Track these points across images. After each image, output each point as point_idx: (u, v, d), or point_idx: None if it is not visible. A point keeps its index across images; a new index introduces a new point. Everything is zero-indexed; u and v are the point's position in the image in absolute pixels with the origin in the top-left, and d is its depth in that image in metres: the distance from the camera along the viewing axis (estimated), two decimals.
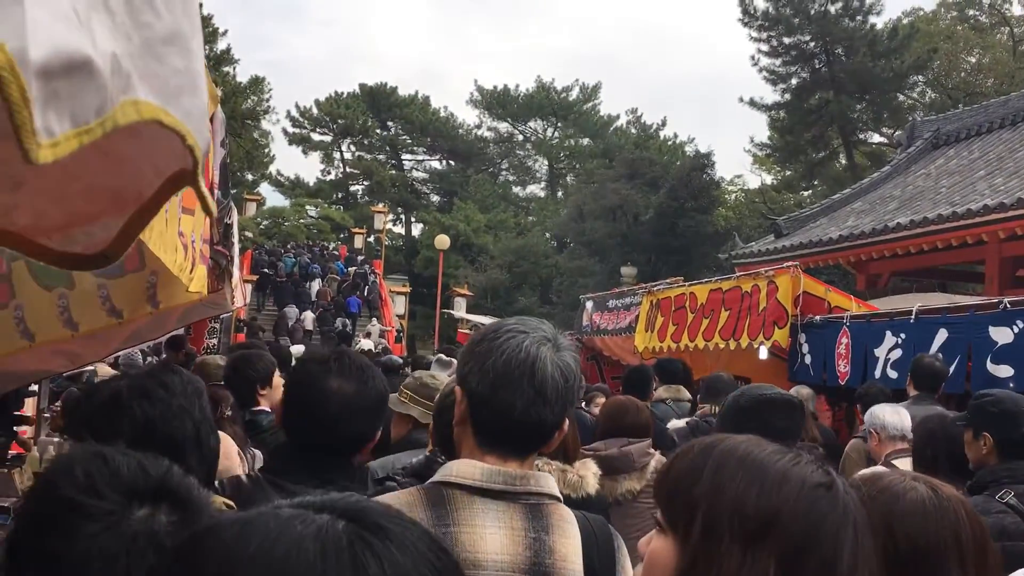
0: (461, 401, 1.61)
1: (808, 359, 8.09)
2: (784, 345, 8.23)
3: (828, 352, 7.77)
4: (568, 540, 1.57)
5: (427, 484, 1.61)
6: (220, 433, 2.74)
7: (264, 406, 3.82)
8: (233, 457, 2.83)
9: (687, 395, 6.74)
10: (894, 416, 4.51)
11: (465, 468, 1.57)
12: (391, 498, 1.59)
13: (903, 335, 6.86)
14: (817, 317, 7.97)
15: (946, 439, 3.48)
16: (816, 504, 1.05)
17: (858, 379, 7.30)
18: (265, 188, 50.82)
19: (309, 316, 28.11)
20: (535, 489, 1.58)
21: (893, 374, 7.06)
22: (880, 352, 7.18)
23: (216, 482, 2.11)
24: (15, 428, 6.34)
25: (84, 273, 2.93)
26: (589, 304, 13.97)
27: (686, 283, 10.82)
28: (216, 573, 0.63)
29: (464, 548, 1.49)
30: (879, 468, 3.66)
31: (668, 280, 12.41)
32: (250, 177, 44.74)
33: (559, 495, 1.63)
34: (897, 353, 6.98)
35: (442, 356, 4.38)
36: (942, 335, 6.39)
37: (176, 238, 2.10)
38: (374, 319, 28.74)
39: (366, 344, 23.99)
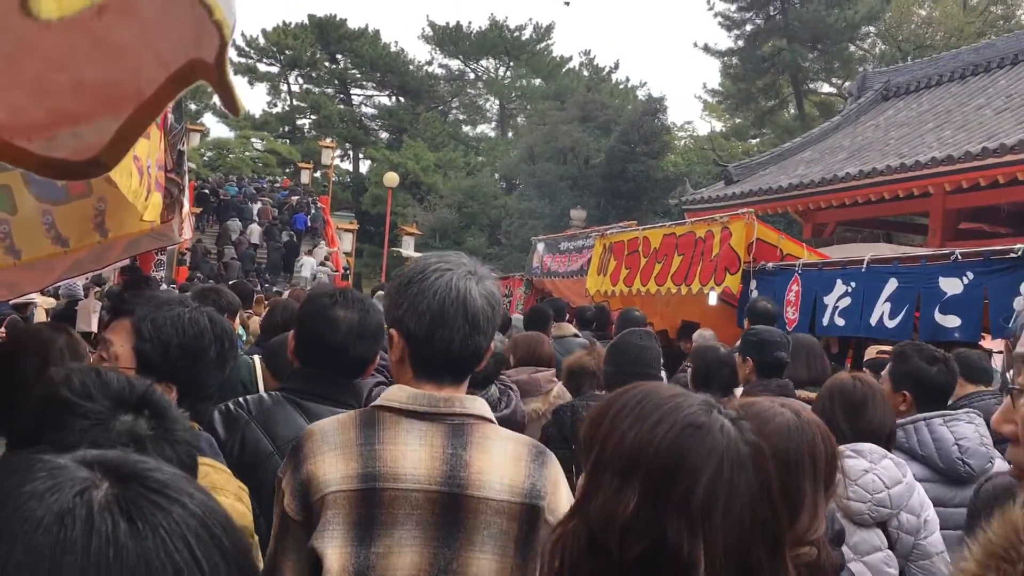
0: (398, 343, 1.72)
1: None
2: (735, 291, 8.29)
3: (778, 299, 7.84)
4: (487, 455, 1.68)
5: (366, 407, 1.77)
6: None
7: None
8: None
9: (571, 330, 7.50)
10: None
11: (395, 392, 1.71)
12: (331, 420, 1.73)
13: (853, 283, 6.94)
14: (769, 264, 8.03)
15: (717, 364, 4.33)
16: (681, 442, 1.15)
17: (806, 326, 7.39)
18: (209, 119, 49.43)
19: (256, 230, 28.57)
20: (459, 410, 1.70)
21: (840, 322, 7.16)
22: (829, 300, 7.26)
23: (240, 399, 2.32)
24: None
25: (27, 198, 2.76)
26: (541, 246, 13.92)
27: (640, 227, 10.81)
28: None
29: (385, 463, 1.63)
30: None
31: (622, 224, 12.41)
32: (193, 107, 43.44)
33: (488, 416, 1.75)
34: (846, 301, 7.07)
35: (383, 291, 4.69)
36: (892, 284, 6.47)
37: (131, 162, 1.96)
38: (321, 242, 28.74)
39: (308, 264, 23.76)
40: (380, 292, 6.32)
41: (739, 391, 4.28)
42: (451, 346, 1.68)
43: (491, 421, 1.76)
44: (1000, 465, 3.32)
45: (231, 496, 1.77)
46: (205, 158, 40.33)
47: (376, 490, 1.61)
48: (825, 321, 7.29)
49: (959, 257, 5.90)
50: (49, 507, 0.56)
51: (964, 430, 3.28)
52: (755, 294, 8.16)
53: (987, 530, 1.23)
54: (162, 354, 1.83)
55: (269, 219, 30.28)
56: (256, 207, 31.05)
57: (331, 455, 1.63)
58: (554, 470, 1.76)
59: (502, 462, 1.69)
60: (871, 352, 6.69)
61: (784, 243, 8.36)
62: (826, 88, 35.35)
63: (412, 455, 1.65)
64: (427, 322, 1.68)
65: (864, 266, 6.87)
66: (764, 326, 5.01)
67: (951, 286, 5.85)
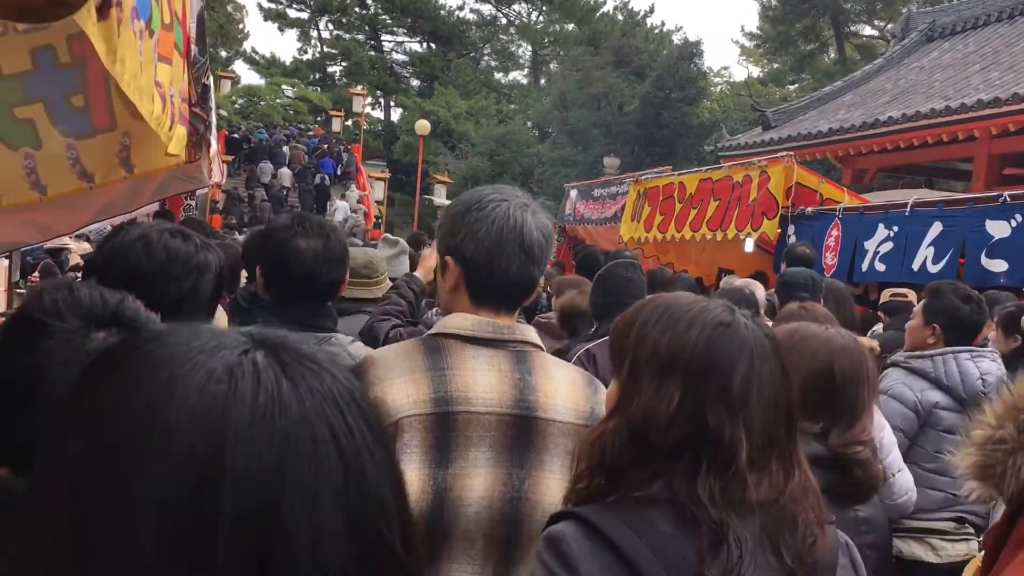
0: (454, 269, 1.76)
1: None
2: (772, 237, 8.13)
3: (817, 244, 7.68)
4: (550, 381, 1.76)
5: (425, 335, 1.81)
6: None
7: None
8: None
9: None
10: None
11: (458, 320, 1.76)
12: (393, 348, 1.82)
13: (896, 228, 6.77)
14: (809, 208, 7.86)
15: (744, 304, 4.60)
16: (713, 340, 1.28)
17: (844, 272, 7.25)
18: (239, 66, 49.23)
19: (286, 173, 28.72)
20: (520, 338, 1.78)
21: (881, 267, 7.01)
22: (870, 245, 7.10)
23: None
24: None
25: (52, 133, 2.72)
26: (573, 193, 13.76)
27: (675, 173, 10.62)
28: (125, 369, 0.62)
29: (457, 388, 1.69)
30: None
31: (656, 169, 12.21)
32: (224, 53, 43.31)
33: (541, 344, 1.83)
34: (888, 246, 6.90)
35: (388, 236, 5.37)
36: (936, 228, 6.30)
37: (153, 87, 1.90)
38: (352, 185, 28.73)
39: (342, 209, 23.87)
40: (387, 235, 6.47)
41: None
42: (508, 273, 1.73)
43: (543, 349, 1.83)
44: None
45: None
46: (236, 105, 40.27)
47: (450, 414, 1.67)
48: (864, 267, 7.14)
49: (1008, 199, 5.71)
50: (219, 361, 0.61)
51: (988, 367, 3.51)
52: (793, 239, 8.00)
53: (1009, 389, 1.40)
54: (102, 274, 1.81)
55: (301, 163, 30.23)
56: (287, 151, 31.01)
57: (400, 380, 1.67)
58: (604, 396, 1.83)
59: (564, 387, 1.77)
60: (885, 295, 6.57)
61: (824, 187, 8.17)
62: (868, 30, 34.42)
63: (482, 380, 1.70)
64: (486, 248, 1.72)
65: (908, 210, 6.69)
66: (793, 268, 5.28)
67: (999, 229, 5.67)
